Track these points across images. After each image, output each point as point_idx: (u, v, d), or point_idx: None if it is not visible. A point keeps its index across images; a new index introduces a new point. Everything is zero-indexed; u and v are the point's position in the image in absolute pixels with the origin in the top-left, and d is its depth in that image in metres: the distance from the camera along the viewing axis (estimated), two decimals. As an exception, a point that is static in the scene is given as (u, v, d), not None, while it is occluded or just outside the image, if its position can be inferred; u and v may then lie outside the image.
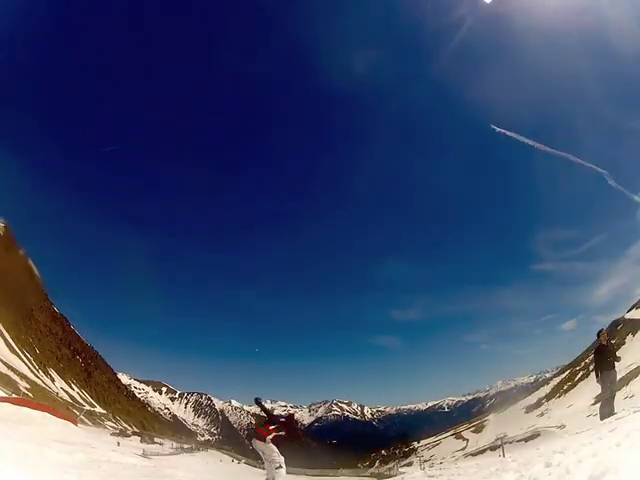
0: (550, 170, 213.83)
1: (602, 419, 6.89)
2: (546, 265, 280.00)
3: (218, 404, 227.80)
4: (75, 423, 15.20)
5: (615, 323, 67.70)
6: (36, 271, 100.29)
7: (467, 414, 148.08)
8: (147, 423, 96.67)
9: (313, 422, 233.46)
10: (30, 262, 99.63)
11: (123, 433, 33.94)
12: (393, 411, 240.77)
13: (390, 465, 56.80)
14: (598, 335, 9.52)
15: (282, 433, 6.42)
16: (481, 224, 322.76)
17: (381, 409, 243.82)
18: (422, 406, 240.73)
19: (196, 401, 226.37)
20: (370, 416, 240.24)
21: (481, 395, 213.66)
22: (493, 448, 39.61)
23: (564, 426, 24.55)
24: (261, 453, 6.31)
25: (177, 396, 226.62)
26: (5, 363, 47.82)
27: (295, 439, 6.72)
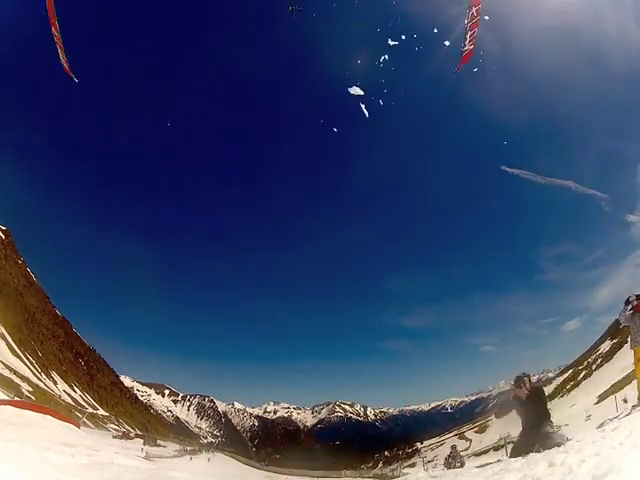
0: (553, 191, 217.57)
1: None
2: (549, 276, 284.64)
3: (221, 406, 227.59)
4: (78, 426, 15.18)
5: (617, 322, 67.49)
6: (36, 274, 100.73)
7: (470, 414, 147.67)
8: (150, 425, 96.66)
9: (316, 424, 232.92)
10: (30, 266, 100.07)
11: (126, 435, 33.88)
12: (396, 412, 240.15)
13: (393, 466, 56.75)
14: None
15: None
16: (487, 240, 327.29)
17: (384, 410, 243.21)
18: (425, 407, 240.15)
19: (199, 403, 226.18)
20: (373, 417, 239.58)
21: (484, 395, 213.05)
22: (496, 448, 39.47)
23: (567, 425, 24.45)
24: None
25: (180, 398, 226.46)
26: (7, 366, 47.88)
27: None
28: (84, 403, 71.16)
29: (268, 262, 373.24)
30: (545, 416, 5.69)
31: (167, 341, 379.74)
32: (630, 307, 7.57)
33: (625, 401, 23.53)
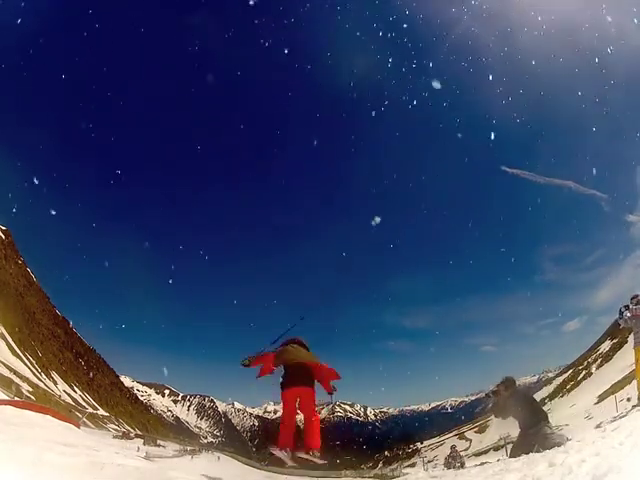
0: (553, 191, 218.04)
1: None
2: (549, 276, 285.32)
3: (221, 406, 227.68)
4: (77, 426, 15.16)
5: (617, 322, 67.43)
6: (36, 274, 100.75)
7: (470, 415, 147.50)
8: (150, 425, 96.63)
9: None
10: (30, 266, 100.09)
11: (126, 436, 33.85)
12: (396, 412, 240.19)
13: (393, 466, 56.59)
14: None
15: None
16: (487, 240, 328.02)
17: (384, 410, 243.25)
18: (425, 407, 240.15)
19: (199, 403, 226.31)
20: (373, 417, 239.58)
21: (484, 395, 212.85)
22: (496, 448, 39.42)
23: (567, 425, 24.47)
24: None
25: (180, 398, 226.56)
26: (7, 366, 47.86)
27: None
28: (84, 403, 71.15)
29: (269, 263, 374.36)
30: (540, 417, 5.71)
31: (167, 341, 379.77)
32: (632, 307, 7.59)
33: (628, 400, 23.60)
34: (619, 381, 40.50)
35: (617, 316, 7.93)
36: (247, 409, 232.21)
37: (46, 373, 68.54)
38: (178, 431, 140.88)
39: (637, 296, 7.61)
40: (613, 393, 34.06)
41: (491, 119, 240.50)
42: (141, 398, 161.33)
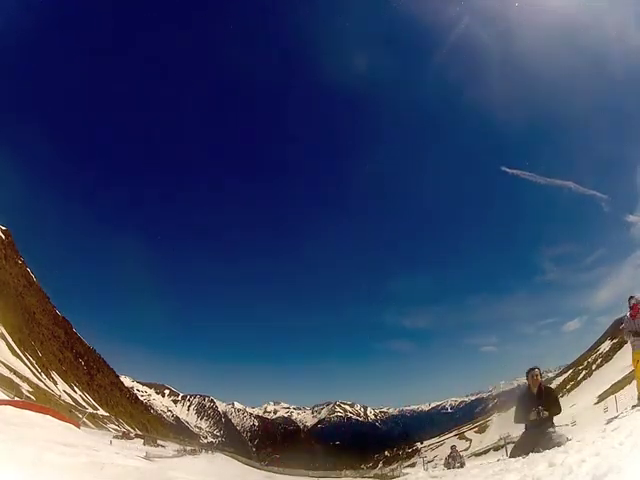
0: (553, 192, 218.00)
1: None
2: (549, 276, 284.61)
3: (221, 406, 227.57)
4: (78, 426, 15.18)
5: (617, 322, 67.60)
6: (36, 274, 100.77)
7: (470, 415, 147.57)
8: (150, 425, 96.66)
9: (316, 424, 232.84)
10: (30, 266, 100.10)
11: (126, 436, 33.89)
12: (396, 412, 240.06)
13: (393, 466, 56.69)
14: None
15: None
16: (487, 240, 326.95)
17: (384, 410, 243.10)
18: (425, 407, 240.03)
19: (199, 403, 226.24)
20: (373, 417, 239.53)
21: (484, 395, 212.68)
22: (496, 448, 39.48)
23: (567, 425, 24.49)
24: None
25: (180, 398, 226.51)
26: (8, 366, 47.90)
27: None
28: (84, 403, 71.17)
29: (269, 263, 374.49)
30: (550, 417, 5.68)
31: (167, 341, 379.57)
32: (626, 317, 7.70)
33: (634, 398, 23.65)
34: (619, 381, 40.53)
35: (618, 317, 8.03)
36: (247, 409, 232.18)
37: (46, 373, 68.54)
38: (178, 431, 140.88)
39: (634, 297, 7.64)
40: (613, 393, 34.10)
41: (491, 119, 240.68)
42: (141, 398, 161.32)
